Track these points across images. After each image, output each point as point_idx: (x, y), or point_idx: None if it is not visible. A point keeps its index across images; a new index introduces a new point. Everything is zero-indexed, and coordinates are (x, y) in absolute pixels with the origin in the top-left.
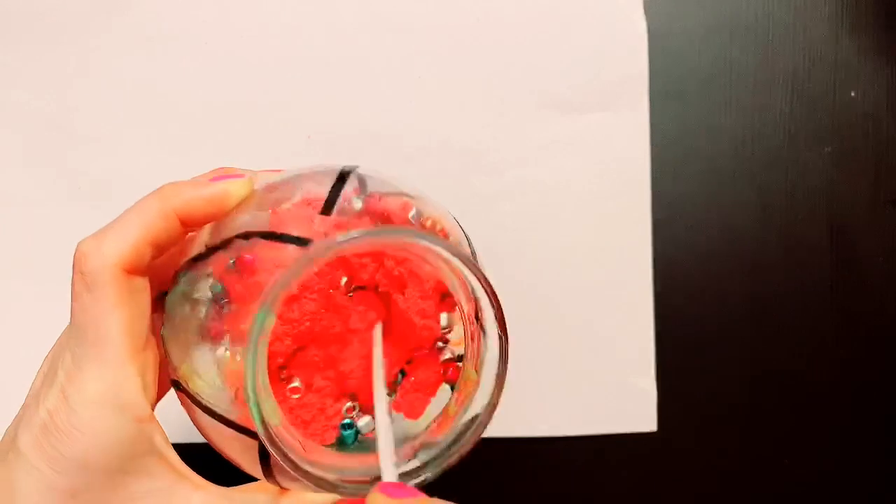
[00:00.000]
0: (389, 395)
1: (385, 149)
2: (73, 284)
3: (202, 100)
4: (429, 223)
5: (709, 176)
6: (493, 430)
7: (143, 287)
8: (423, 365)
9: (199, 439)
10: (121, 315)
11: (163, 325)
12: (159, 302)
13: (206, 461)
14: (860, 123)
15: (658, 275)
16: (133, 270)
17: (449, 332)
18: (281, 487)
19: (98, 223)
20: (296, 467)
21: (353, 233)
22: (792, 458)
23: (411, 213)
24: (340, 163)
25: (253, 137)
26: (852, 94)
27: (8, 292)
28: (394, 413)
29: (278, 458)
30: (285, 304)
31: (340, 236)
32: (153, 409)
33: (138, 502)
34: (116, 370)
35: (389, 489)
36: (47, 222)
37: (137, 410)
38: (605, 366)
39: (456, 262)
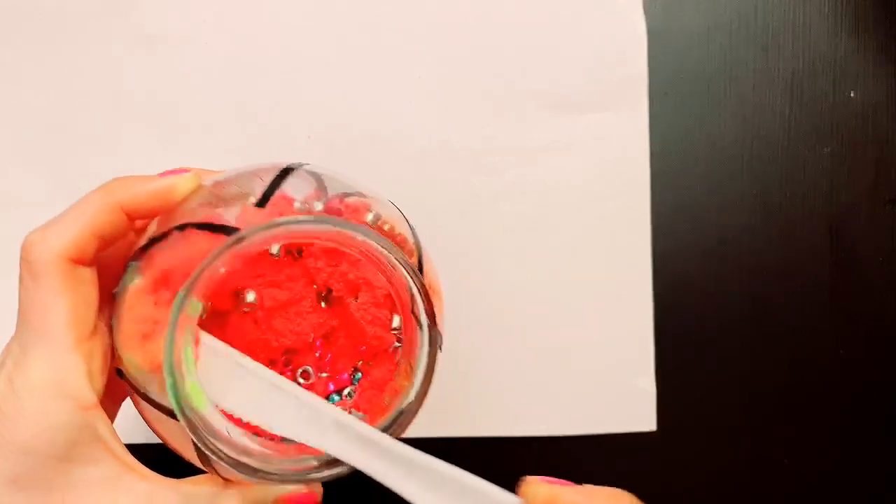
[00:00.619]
0: (348, 395)
1: (385, 149)
2: (20, 274)
3: (202, 100)
4: (386, 227)
5: (709, 176)
6: (493, 429)
7: (89, 277)
8: (378, 364)
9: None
10: (65, 303)
11: (113, 311)
12: (114, 296)
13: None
14: (860, 123)
15: (658, 275)
16: (78, 260)
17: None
18: (223, 478)
19: None
20: (215, 451)
21: (277, 220)
22: (792, 458)
23: (369, 216)
24: (339, 164)
25: (253, 137)
26: (852, 94)
27: (8, 292)
28: (354, 412)
29: (197, 443)
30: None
31: (263, 224)
32: (101, 399)
33: (81, 489)
34: (60, 357)
35: (548, 479)
36: None
37: (82, 398)
38: (605, 366)
39: (384, 252)
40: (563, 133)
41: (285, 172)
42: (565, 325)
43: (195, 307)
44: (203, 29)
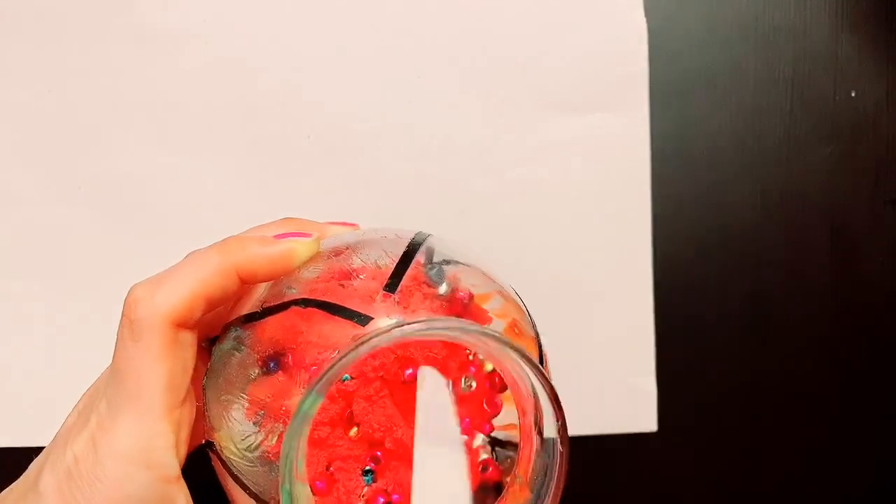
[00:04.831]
0: None
1: (385, 149)
2: (119, 329)
3: (202, 99)
4: (507, 319)
5: (709, 176)
6: None
7: (189, 342)
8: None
9: None
10: (163, 370)
11: (206, 375)
12: (205, 348)
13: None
14: (860, 123)
15: (658, 275)
16: (182, 324)
17: (491, 429)
18: None
19: (97, 223)
20: None
21: (416, 323)
22: (792, 458)
23: (487, 305)
24: (406, 224)
25: (253, 137)
26: (852, 94)
27: (8, 292)
28: None
29: None
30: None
31: (402, 324)
32: (182, 466)
33: None
34: (150, 426)
35: None
36: (47, 222)
37: (165, 470)
38: (605, 366)
39: (524, 366)
40: (563, 133)
41: (412, 250)
42: (565, 325)
43: (316, 404)
44: (203, 28)
